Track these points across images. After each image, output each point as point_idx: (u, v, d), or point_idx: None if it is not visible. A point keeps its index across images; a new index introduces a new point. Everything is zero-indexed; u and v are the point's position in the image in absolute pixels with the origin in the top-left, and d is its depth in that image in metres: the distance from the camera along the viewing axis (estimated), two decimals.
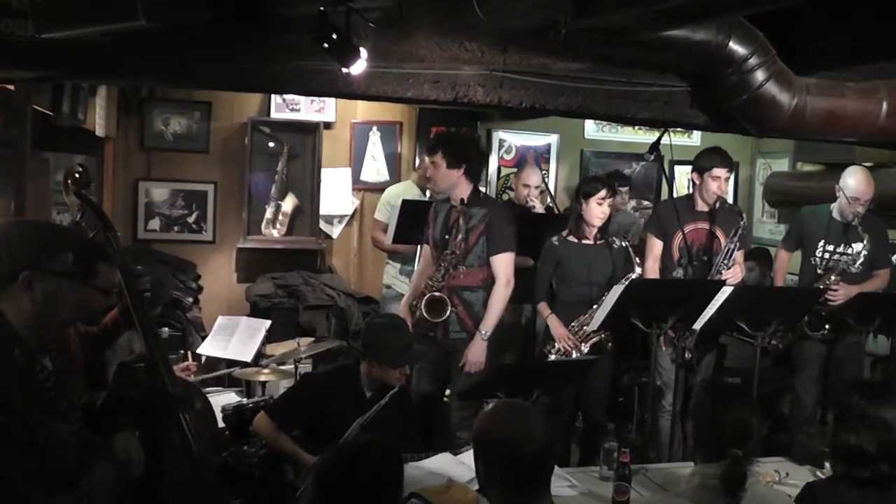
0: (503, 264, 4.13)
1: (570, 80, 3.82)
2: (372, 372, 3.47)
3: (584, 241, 4.40)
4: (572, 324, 4.33)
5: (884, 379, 5.14)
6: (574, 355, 4.27)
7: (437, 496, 2.86)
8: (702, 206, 4.52)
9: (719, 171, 4.40)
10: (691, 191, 4.65)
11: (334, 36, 2.95)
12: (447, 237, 4.13)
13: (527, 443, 2.04)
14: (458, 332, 4.13)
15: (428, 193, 5.51)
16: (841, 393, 2.43)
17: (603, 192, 4.31)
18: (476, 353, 4.08)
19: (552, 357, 4.32)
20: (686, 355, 4.21)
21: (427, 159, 4.25)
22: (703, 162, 4.46)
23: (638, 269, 4.31)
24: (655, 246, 4.60)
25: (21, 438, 1.86)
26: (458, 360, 4.11)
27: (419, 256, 5.06)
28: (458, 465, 3.22)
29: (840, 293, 4.45)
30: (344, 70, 3.22)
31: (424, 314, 4.09)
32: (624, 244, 4.38)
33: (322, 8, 2.90)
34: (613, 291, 3.89)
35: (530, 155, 6.67)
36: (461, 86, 3.70)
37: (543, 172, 6.36)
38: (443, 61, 3.62)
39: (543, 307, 4.45)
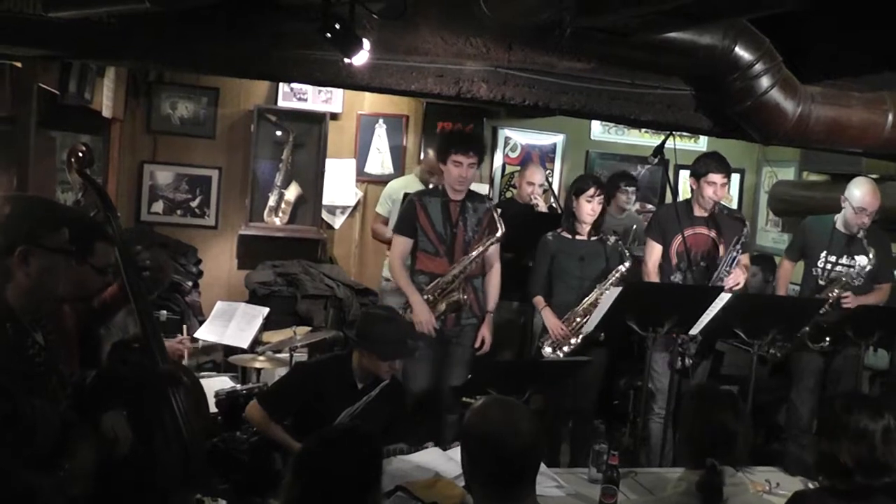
0: (498, 252, 4.45)
1: (574, 80, 3.81)
2: (363, 362, 3.47)
3: (578, 237, 4.49)
4: (566, 315, 4.40)
5: (882, 393, 5.12)
6: (566, 349, 4.35)
7: (423, 490, 2.87)
8: (700, 212, 4.51)
9: (715, 177, 4.39)
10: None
11: (337, 26, 2.95)
12: (455, 231, 4.25)
13: (512, 439, 2.03)
14: (468, 319, 4.37)
15: (430, 187, 5.51)
16: (824, 404, 2.43)
17: (591, 191, 4.39)
18: (490, 332, 4.40)
19: (546, 349, 4.40)
20: (686, 361, 4.21)
21: (469, 158, 4.19)
22: (699, 167, 4.46)
23: (627, 263, 4.39)
24: (654, 250, 4.60)
25: (5, 413, 1.87)
26: (465, 343, 4.35)
27: None
28: (447, 461, 3.22)
29: (849, 301, 4.42)
30: (346, 60, 3.22)
31: (462, 304, 4.30)
32: (615, 239, 4.46)
33: None
34: (609, 294, 3.89)
35: (535, 153, 6.66)
36: (465, 81, 3.69)
37: (548, 172, 6.35)
38: (447, 56, 3.62)
39: (539, 300, 4.52)
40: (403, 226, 4.39)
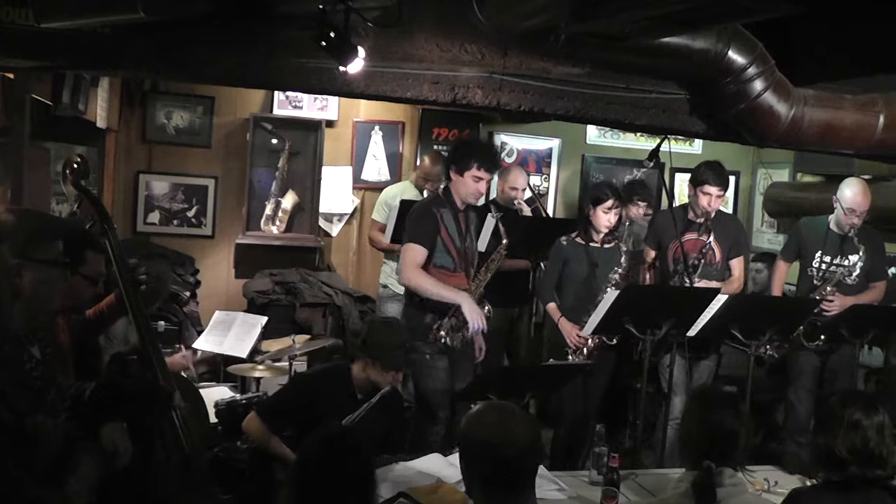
0: None
1: (570, 85, 3.82)
2: (366, 372, 3.47)
3: (592, 244, 4.47)
4: (584, 319, 4.33)
5: (877, 391, 5.14)
6: (585, 352, 4.34)
7: (425, 496, 2.87)
8: (695, 217, 4.54)
9: (710, 189, 4.42)
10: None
11: (332, 34, 2.96)
12: (466, 244, 4.16)
13: (508, 445, 2.05)
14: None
15: (425, 194, 5.51)
16: (821, 402, 2.49)
17: (609, 202, 4.37)
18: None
19: (570, 357, 4.37)
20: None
21: (490, 174, 4.10)
22: (697, 175, 4.50)
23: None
24: (649, 255, 4.72)
25: (12, 426, 1.87)
26: (470, 355, 4.24)
27: None
28: (448, 466, 3.23)
29: (835, 304, 4.45)
30: (341, 68, 3.23)
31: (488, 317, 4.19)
32: (631, 247, 4.48)
33: (321, 6, 2.91)
34: (607, 297, 3.90)
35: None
36: (460, 87, 3.69)
37: (543, 176, 6.37)
38: (443, 62, 3.62)
39: (553, 309, 4.48)
40: (424, 237, 4.03)
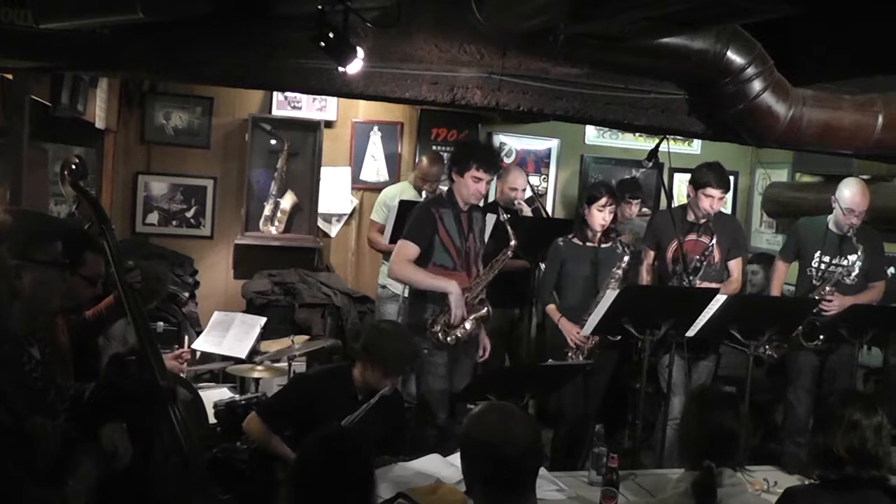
0: None
1: (568, 85, 3.83)
2: (366, 375, 3.47)
3: (589, 244, 4.48)
4: (584, 318, 4.33)
5: (876, 391, 5.15)
6: (585, 352, 4.35)
7: (424, 497, 2.87)
8: (694, 218, 4.54)
9: (713, 191, 4.40)
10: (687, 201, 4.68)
11: (331, 35, 2.96)
12: (467, 244, 4.17)
13: (509, 445, 2.05)
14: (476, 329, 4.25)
15: (423, 194, 5.52)
16: (820, 402, 2.50)
17: (603, 200, 4.36)
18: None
19: (570, 357, 4.37)
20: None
21: (490, 175, 4.13)
22: (699, 177, 4.48)
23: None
24: (648, 255, 4.71)
25: (11, 427, 1.87)
26: (472, 353, 4.25)
27: None
28: (447, 467, 3.23)
29: (834, 304, 4.46)
30: (340, 69, 3.23)
31: (486, 317, 4.24)
32: (630, 248, 4.46)
33: (320, 6, 2.91)
34: (606, 298, 3.90)
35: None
36: (459, 88, 3.70)
37: (542, 176, 6.37)
38: (441, 63, 3.63)
39: (553, 310, 4.49)
40: (419, 235, 4.07)
